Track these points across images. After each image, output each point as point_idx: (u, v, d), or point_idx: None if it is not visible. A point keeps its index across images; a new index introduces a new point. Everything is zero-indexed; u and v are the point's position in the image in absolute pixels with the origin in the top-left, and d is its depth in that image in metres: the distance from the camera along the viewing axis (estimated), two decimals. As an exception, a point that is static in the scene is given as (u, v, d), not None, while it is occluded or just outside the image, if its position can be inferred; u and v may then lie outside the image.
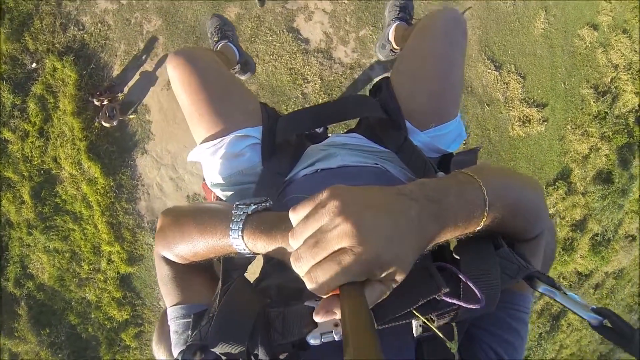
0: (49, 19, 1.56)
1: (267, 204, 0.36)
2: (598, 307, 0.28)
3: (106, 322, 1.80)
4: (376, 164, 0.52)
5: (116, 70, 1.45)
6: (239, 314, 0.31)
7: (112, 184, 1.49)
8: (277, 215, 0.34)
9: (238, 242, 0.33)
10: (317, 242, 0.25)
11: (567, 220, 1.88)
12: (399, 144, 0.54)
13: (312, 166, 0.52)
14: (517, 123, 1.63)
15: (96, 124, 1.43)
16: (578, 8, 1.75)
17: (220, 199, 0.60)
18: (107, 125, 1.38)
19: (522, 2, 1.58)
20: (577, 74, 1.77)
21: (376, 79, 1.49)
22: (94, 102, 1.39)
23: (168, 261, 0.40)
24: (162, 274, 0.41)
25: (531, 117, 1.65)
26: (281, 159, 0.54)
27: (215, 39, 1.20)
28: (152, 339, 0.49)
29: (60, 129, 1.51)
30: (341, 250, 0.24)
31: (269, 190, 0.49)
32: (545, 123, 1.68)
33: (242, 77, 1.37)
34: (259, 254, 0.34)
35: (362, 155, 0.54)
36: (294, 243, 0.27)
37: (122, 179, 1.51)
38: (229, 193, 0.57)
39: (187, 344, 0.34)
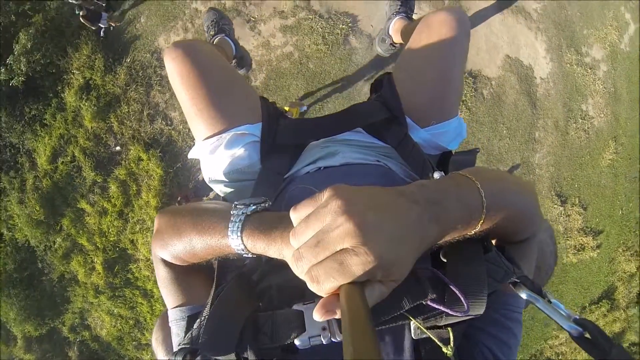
0: (137, 106, 1.68)
1: (266, 205, 0.37)
2: (580, 318, 0.28)
3: (157, 381, 1.97)
4: (378, 161, 0.52)
5: (202, 174, 1.57)
6: (229, 319, 0.33)
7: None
8: (276, 215, 0.34)
9: (237, 242, 0.34)
10: (318, 242, 0.25)
11: (606, 333, 1.99)
12: (399, 140, 0.55)
13: (314, 164, 0.52)
14: (572, 251, 1.74)
15: (178, 220, 1.56)
16: (646, 135, 1.82)
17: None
18: (191, 227, 1.51)
19: (595, 134, 1.66)
20: (635, 199, 1.85)
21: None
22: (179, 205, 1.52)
23: (167, 263, 0.41)
24: (161, 276, 0.41)
25: (586, 245, 1.75)
26: (281, 157, 0.54)
27: (211, 33, 1.16)
28: (152, 338, 0.52)
29: (140, 216, 1.65)
30: (343, 250, 0.25)
31: (268, 189, 0.50)
32: (598, 249, 1.78)
33: (239, 72, 1.38)
34: (258, 254, 0.34)
35: (363, 151, 0.54)
36: (295, 242, 0.27)
37: (197, 271, 1.65)
38: (228, 190, 0.58)
39: (179, 347, 0.35)
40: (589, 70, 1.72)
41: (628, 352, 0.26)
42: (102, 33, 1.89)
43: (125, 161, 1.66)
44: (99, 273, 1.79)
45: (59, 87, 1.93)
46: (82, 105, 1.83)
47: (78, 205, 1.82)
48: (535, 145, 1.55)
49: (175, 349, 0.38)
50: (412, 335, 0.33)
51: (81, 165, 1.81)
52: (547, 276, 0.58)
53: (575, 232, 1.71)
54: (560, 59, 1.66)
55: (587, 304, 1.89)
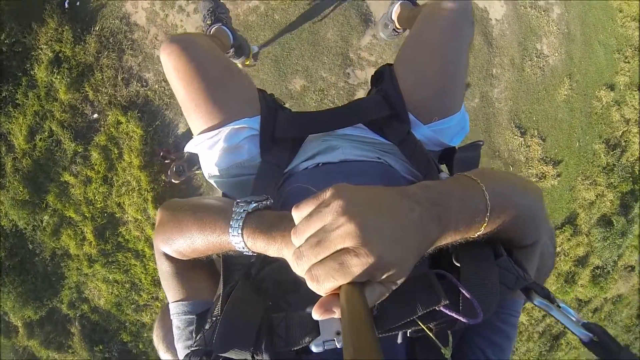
0: (110, 72, 1.73)
1: (268, 202, 0.37)
2: (588, 323, 0.29)
3: (159, 343, 2.10)
4: (379, 158, 0.52)
5: (182, 128, 1.65)
6: (243, 320, 0.33)
7: (177, 231, 1.74)
8: (277, 214, 0.35)
9: (237, 240, 0.34)
10: (319, 241, 0.26)
11: (571, 257, 2.22)
12: (401, 137, 0.54)
13: (312, 159, 0.52)
14: (534, 179, 1.92)
15: (163, 178, 1.65)
16: (599, 71, 2.00)
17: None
18: (176, 182, 1.60)
19: (550, 71, 1.82)
20: (592, 132, 2.04)
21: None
22: (162, 161, 1.60)
23: (168, 257, 0.42)
24: (163, 269, 0.42)
25: (547, 173, 1.94)
26: (280, 150, 0.54)
27: (208, 22, 1.19)
28: (153, 331, 0.53)
29: (125, 178, 1.72)
30: (344, 250, 0.25)
31: (268, 183, 0.50)
32: (559, 177, 1.97)
33: (236, 62, 1.40)
34: (258, 253, 0.35)
35: (363, 148, 0.54)
36: (296, 241, 0.28)
37: (186, 227, 1.75)
38: (228, 185, 0.58)
39: (192, 349, 0.35)
40: (543, 13, 1.86)
41: (635, 355, 0.27)
42: (66, 5, 1.90)
43: (104, 127, 1.72)
44: (91, 242, 1.87)
45: (28, 65, 1.94)
46: (54, 79, 1.85)
47: (61, 179, 1.88)
48: (493, 81, 1.69)
49: (176, 342, 0.40)
50: (408, 334, 0.33)
51: (60, 139, 1.85)
52: (546, 277, 0.59)
53: (536, 162, 1.89)
54: (514, 1, 1.79)
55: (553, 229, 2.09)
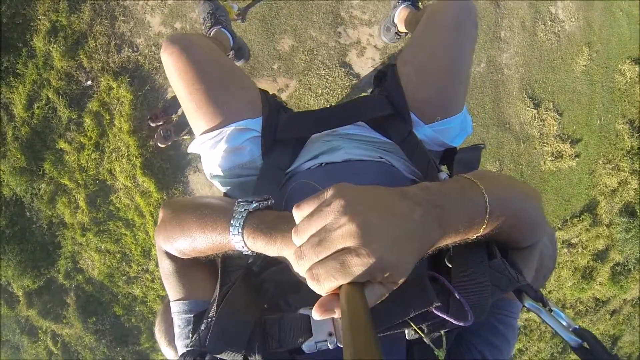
0: (103, 39, 1.73)
1: (269, 202, 0.38)
2: (579, 328, 0.29)
3: (149, 315, 2.10)
4: (381, 157, 0.52)
5: (170, 93, 1.63)
6: (237, 322, 0.33)
7: (165, 197, 1.72)
8: (278, 214, 0.36)
9: (237, 239, 0.35)
10: (320, 241, 0.26)
11: (589, 250, 2.04)
12: (403, 137, 0.54)
13: (315, 159, 0.53)
14: (550, 158, 1.77)
15: (151, 142, 1.64)
16: (622, 42, 1.82)
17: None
18: (162, 146, 1.58)
19: (566, 38, 1.67)
20: (614, 110, 1.87)
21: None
22: (150, 125, 1.59)
23: (170, 255, 0.42)
24: (164, 268, 0.42)
25: (564, 152, 1.78)
26: (282, 151, 0.55)
27: (208, 24, 1.21)
28: (155, 325, 0.54)
29: (115, 144, 1.72)
30: (345, 250, 0.25)
31: (270, 184, 0.50)
32: (577, 158, 1.81)
33: (237, 64, 1.42)
34: (258, 252, 0.35)
35: (366, 147, 0.54)
36: (297, 240, 0.28)
37: (175, 194, 1.74)
38: (230, 186, 0.59)
39: (187, 349, 0.35)
40: (560, -25, 1.71)
41: None
42: (65, -26, 1.92)
43: (97, 93, 1.72)
44: (83, 210, 1.89)
45: (28, 36, 1.99)
46: (50, 49, 1.88)
47: (57, 146, 1.91)
48: (502, 45, 1.56)
49: (177, 340, 0.41)
50: (407, 337, 0.34)
51: (56, 106, 1.88)
52: (545, 279, 0.59)
53: (552, 139, 1.74)
54: (528, -39, 1.65)
55: (569, 217, 1.93)
